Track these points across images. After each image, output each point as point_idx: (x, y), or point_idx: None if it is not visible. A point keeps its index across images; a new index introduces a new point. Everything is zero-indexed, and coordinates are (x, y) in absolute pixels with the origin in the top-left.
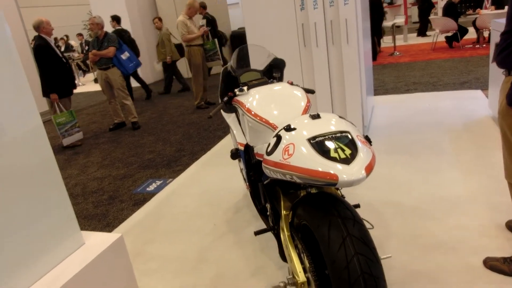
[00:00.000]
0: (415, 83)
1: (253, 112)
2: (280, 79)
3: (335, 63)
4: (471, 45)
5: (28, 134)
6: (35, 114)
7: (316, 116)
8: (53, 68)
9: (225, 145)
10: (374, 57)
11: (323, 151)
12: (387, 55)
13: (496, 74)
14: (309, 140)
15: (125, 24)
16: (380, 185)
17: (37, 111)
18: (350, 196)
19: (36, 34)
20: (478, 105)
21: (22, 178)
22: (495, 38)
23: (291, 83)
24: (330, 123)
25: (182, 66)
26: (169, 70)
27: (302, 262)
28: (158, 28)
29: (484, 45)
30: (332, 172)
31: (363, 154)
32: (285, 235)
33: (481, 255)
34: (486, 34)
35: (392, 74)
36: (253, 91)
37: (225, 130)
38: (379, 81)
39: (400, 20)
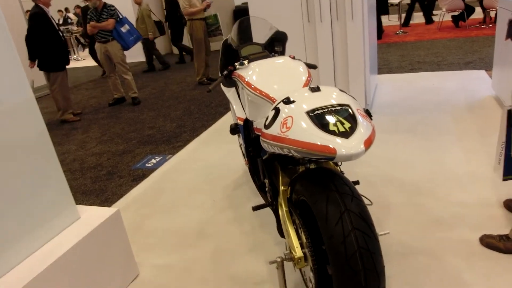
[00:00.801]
0: (420, 63)
1: (252, 86)
2: (281, 53)
3: (339, 39)
4: (477, 25)
5: (19, 107)
6: (26, 87)
7: (316, 89)
8: (47, 39)
9: (226, 121)
10: (379, 36)
11: (322, 124)
12: (393, 34)
13: (500, 55)
14: (308, 113)
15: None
16: (381, 163)
17: (27, 84)
18: (350, 173)
19: (33, 5)
20: (482, 85)
21: (13, 152)
22: (503, 17)
23: (293, 58)
24: (330, 96)
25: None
26: (147, 46)
27: (299, 238)
28: (138, 3)
29: (490, 25)
30: (330, 145)
31: (363, 128)
32: (283, 210)
33: (478, 232)
34: (492, 14)
35: (396, 53)
36: (254, 64)
37: (226, 106)
38: (384, 60)
39: None
